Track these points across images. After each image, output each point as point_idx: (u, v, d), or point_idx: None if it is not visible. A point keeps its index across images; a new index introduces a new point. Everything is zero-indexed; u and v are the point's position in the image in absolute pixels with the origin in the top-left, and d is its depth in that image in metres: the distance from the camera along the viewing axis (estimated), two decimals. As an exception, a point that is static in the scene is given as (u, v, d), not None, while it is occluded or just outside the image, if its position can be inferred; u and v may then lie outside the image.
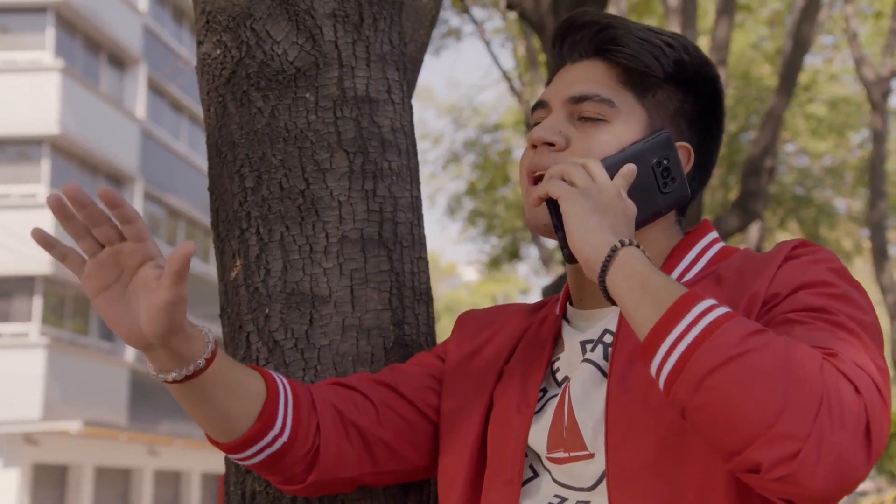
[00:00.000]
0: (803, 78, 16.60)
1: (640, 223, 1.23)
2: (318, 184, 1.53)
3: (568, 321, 1.32)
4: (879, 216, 15.48)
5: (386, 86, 1.60)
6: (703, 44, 15.89)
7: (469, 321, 1.44)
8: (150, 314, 1.12)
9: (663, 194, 1.24)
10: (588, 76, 1.28)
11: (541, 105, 1.31)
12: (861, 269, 30.28)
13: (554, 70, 1.36)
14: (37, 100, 17.89)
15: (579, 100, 1.26)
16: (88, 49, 19.89)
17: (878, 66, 15.85)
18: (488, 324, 1.42)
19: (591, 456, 1.18)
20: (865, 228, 18.37)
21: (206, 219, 22.56)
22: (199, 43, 1.62)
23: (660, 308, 1.02)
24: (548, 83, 1.37)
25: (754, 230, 15.71)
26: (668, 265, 1.26)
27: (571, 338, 1.29)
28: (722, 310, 1.01)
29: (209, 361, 1.19)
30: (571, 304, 1.34)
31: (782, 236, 21.13)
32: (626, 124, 1.25)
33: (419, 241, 1.60)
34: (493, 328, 1.40)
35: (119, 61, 20.91)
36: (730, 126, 18.18)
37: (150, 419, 20.12)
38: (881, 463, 20.95)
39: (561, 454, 1.21)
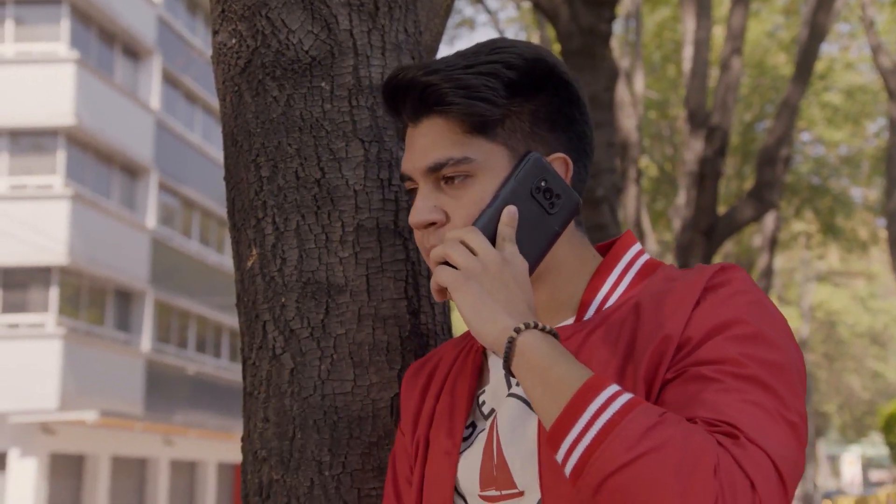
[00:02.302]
0: (819, 66, 16.52)
1: (543, 253, 1.21)
2: (333, 173, 1.53)
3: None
4: (896, 205, 15.39)
5: (401, 74, 1.59)
6: (719, 33, 15.82)
7: (408, 377, 1.42)
8: None
9: (552, 215, 1.20)
10: (434, 140, 1.23)
11: (406, 178, 1.28)
12: (877, 259, 30.15)
13: (401, 131, 1.33)
14: (52, 91, 17.97)
15: (436, 168, 1.23)
16: (103, 40, 19.95)
17: (895, 54, 15.74)
18: (424, 368, 1.40)
19: (521, 494, 1.18)
20: (882, 218, 18.27)
21: (220, 209, 22.64)
22: (215, 32, 1.62)
23: (559, 403, 1.03)
24: (401, 138, 1.34)
25: (769, 220, 15.66)
26: (590, 287, 1.24)
27: (496, 368, 1.28)
28: (621, 401, 1.01)
29: None
30: None
31: (798, 226, 21.05)
32: (492, 170, 1.21)
33: (435, 230, 1.60)
34: (429, 369, 1.39)
35: (133, 52, 20.96)
36: (745, 115, 18.10)
37: (166, 409, 20.23)
38: (895, 454, 20.82)
39: (493, 492, 1.21)
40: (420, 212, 1.23)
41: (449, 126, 1.22)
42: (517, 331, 1.08)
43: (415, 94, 1.23)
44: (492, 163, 1.21)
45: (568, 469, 1.02)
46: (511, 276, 1.13)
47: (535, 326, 1.09)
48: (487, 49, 1.24)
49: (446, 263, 1.16)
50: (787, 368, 1.09)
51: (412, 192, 1.28)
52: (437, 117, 1.23)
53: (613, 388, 1.03)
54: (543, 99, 1.24)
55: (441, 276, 1.14)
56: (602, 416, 1.01)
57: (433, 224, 1.23)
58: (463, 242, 1.15)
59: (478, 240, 1.15)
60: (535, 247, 1.19)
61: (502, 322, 1.09)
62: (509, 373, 1.09)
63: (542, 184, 1.20)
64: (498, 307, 1.11)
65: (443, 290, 1.17)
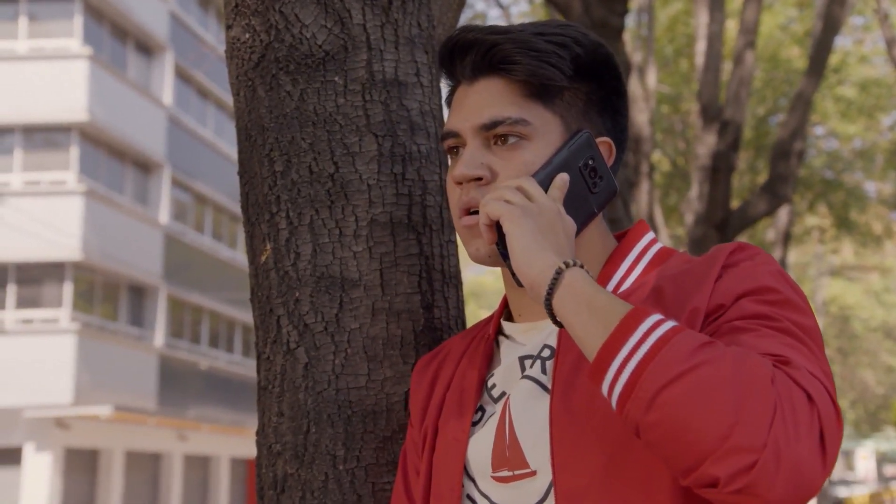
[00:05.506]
0: (833, 60, 16.42)
1: (580, 228, 1.22)
2: (347, 167, 1.53)
3: (506, 336, 1.31)
4: (910, 199, 15.30)
5: (415, 69, 1.60)
6: (732, 26, 15.75)
7: (417, 370, 1.43)
8: None
9: (594, 195, 1.23)
10: (492, 98, 1.24)
11: (452, 135, 1.27)
12: (891, 253, 30.01)
13: (449, 91, 1.33)
14: (65, 87, 18.02)
15: (491, 126, 1.23)
16: (116, 36, 19.99)
17: (910, 47, 15.62)
18: (433, 361, 1.41)
19: (534, 473, 1.18)
20: (895, 212, 18.17)
21: (232, 205, 22.68)
22: (229, 27, 1.62)
23: (607, 327, 1.02)
24: (447, 101, 1.34)
25: (783, 214, 15.59)
26: (605, 272, 1.25)
27: (510, 353, 1.28)
28: (669, 324, 1.01)
29: None
30: (511, 319, 1.33)
31: (812, 220, 20.96)
32: (545, 137, 1.23)
33: (448, 225, 1.60)
34: (437, 363, 1.40)
35: (146, 48, 21.01)
36: (758, 109, 18.02)
37: (179, 404, 20.29)
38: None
39: (505, 473, 1.20)
40: (467, 165, 1.23)
41: (509, 87, 1.24)
42: (566, 264, 1.08)
43: (479, 51, 1.24)
44: (546, 130, 1.23)
45: (617, 389, 1.00)
46: (563, 227, 1.15)
47: (582, 267, 1.10)
48: (555, 24, 1.26)
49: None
50: (816, 333, 1.10)
51: (450, 151, 1.29)
52: (497, 78, 1.24)
53: (660, 315, 1.02)
54: (599, 84, 1.27)
55: (496, 207, 1.15)
56: (654, 334, 1.00)
57: (476, 180, 1.24)
58: (520, 188, 1.16)
59: (536, 187, 1.17)
60: (573, 220, 1.20)
61: (550, 259, 1.10)
62: (549, 308, 1.08)
63: (590, 162, 1.23)
64: (548, 245, 1.11)
65: (491, 227, 1.17)
